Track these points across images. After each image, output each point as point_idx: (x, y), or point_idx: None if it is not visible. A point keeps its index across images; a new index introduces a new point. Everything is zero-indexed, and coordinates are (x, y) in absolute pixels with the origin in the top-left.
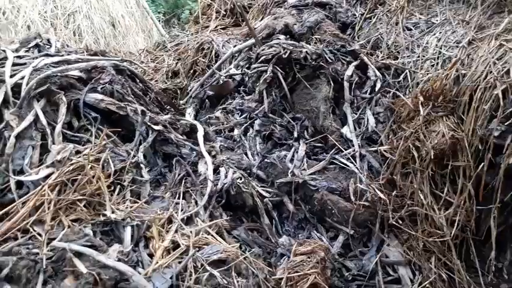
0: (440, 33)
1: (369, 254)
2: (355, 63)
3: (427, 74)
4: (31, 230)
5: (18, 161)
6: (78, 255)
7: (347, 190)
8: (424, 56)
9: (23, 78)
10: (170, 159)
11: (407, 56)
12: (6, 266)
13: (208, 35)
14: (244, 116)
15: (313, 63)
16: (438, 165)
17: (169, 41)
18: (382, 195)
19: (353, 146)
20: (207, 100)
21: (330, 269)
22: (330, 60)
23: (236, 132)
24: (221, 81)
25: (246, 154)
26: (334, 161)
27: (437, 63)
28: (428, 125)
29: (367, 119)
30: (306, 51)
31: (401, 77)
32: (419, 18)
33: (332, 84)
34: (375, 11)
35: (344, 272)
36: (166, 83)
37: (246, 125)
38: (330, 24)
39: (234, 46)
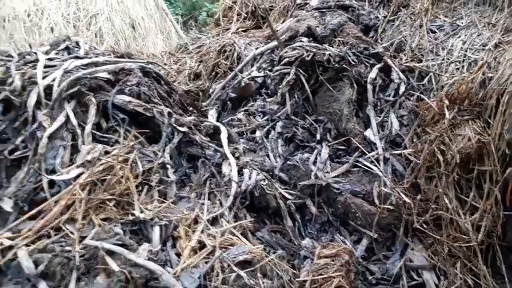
0: (465, 35)
1: (393, 258)
2: (378, 65)
3: (452, 77)
4: (63, 228)
5: (51, 160)
6: (110, 253)
7: (371, 193)
8: (449, 59)
9: (54, 80)
10: (194, 160)
11: (432, 59)
12: (41, 263)
13: (230, 37)
14: (266, 118)
15: (336, 65)
16: (464, 169)
17: (191, 43)
18: (406, 199)
19: (376, 149)
20: (228, 102)
21: (353, 272)
22: (353, 63)
23: (258, 134)
24: (243, 84)
25: (268, 156)
26: (357, 164)
27: (463, 66)
28: (454, 128)
29: (391, 122)
30: (329, 54)
31: (426, 80)
32: (444, 20)
33: (355, 86)
34: (398, 13)
35: (368, 276)
36: (188, 84)
37: (268, 127)
38: (353, 27)
39: (256, 48)
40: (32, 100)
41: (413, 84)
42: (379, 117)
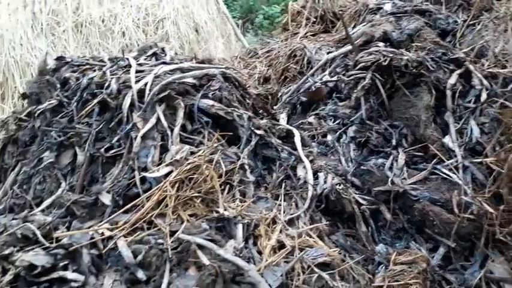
0: None
1: (472, 269)
2: (458, 71)
3: None
4: (155, 222)
5: (143, 158)
6: (200, 247)
7: (450, 202)
8: None
9: (146, 84)
10: (269, 162)
11: None
12: (139, 253)
13: (300, 41)
14: (337, 122)
15: (413, 70)
16: None
17: (260, 48)
18: (489, 209)
19: (455, 156)
20: (298, 106)
21: (429, 280)
22: (432, 68)
23: (329, 138)
24: (313, 88)
25: (339, 160)
26: (435, 171)
27: None
28: None
29: (471, 129)
30: (407, 59)
31: (510, 86)
32: None
33: (434, 92)
34: (480, 17)
35: (444, 285)
36: (257, 88)
37: (339, 131)
38: (430, 32)
39: (328, 53)
40: (126, 103)
41: (497, 91)
42: (458, 124)
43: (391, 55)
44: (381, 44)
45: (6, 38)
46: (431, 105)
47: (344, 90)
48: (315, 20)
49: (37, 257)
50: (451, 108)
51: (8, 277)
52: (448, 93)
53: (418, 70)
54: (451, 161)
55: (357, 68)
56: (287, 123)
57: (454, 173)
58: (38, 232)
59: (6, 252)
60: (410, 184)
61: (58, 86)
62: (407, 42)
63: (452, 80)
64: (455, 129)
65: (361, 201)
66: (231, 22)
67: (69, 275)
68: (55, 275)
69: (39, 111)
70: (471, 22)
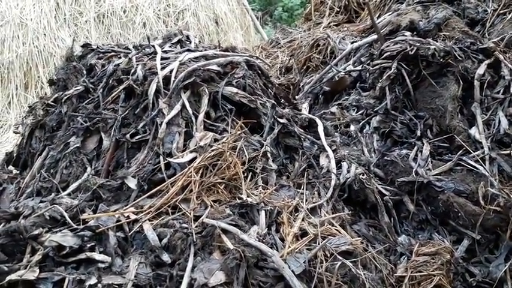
0: None
1: (496, 262)
2: (487, 61)
3: None
4: (179, 206)
5: (168, 145)
6: (224, 232)
7: (475, 193)
8: None
9: (171, 71)
10: (291, 151)
11: None
12: (165, 237)
13: (324, 31)
14: (360, 112)
15: (441, 60)
16: None
17: (282, 38)
18: None
19: (482, 148)
20: (321, 96)
21: (453, 272)
22: (460, 58)
23: (352, 128)
24: (336, 78)
25: (362, 151)
26: (460, 162)
27: None
28: None
29: (499, 121)
30: (434, 48)
31: None
32: None
33: (461, 82)
34: (511, 6)
35: (467, 277)
36: (279, 78)
37: (363, 121)
38: (458, 21)
39: (352, 43)
40: (152, 89)
41: None
42: (486, 115)
43: (418, 44)
44: (408, 33)
45: (30, 28)
46: (458, 95)
47: (368, 80)
48: (338, 9)
49: (65, 238)
50: (478, 99)
51: (37, 257)
52: (476, 83)
53: (446, 60)
54: (477, 153)
55: (382, 57)
56: (309, 114)
57: (480, 165)
58: (65, 214)
59: (35, 232)
60: (434, 175)
61: (84, 72)
62: (434, 31)
63: (481, 70)
64: (482, 120)
65: (384, 191)
66: (250, 14)
67: (96, 256)
68: (82, 255)
69: (66, 97)
70: (501, 11)
